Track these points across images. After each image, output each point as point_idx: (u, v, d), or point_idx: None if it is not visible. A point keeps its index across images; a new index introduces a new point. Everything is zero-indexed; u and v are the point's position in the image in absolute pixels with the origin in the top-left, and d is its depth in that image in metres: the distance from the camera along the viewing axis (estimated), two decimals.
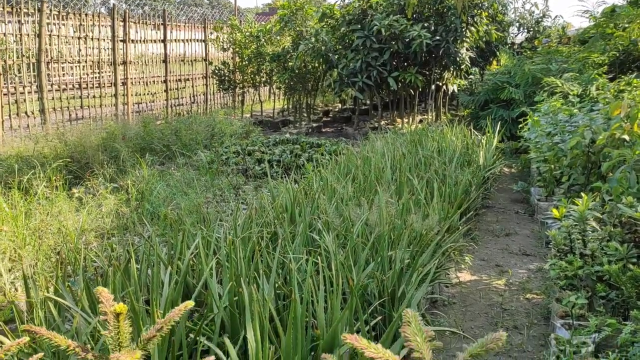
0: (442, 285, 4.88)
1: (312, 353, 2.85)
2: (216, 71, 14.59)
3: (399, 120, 13.74)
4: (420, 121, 13.56)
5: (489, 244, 6.14)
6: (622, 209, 4.27)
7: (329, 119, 15.54)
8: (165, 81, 13.73)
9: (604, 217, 4.76)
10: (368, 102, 14.97)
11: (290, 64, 13.49)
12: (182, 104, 14.23)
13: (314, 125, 13.93)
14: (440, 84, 13.58)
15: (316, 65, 13.81)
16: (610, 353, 3.04)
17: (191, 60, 14.59)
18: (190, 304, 1.42)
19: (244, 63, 14.25)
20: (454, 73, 13.29)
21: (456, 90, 13.99)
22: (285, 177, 7.31)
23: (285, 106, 15.76)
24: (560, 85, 9.53)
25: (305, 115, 14.90)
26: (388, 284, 3.56)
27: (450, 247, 4.75)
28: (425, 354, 1.01)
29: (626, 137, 5.26)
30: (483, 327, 4.22)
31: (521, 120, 9.55)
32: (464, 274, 5.23)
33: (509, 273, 5.29)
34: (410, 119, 13.57)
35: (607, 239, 4.44)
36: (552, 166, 6.86)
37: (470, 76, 13.60)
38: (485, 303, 4.64)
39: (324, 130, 13.73)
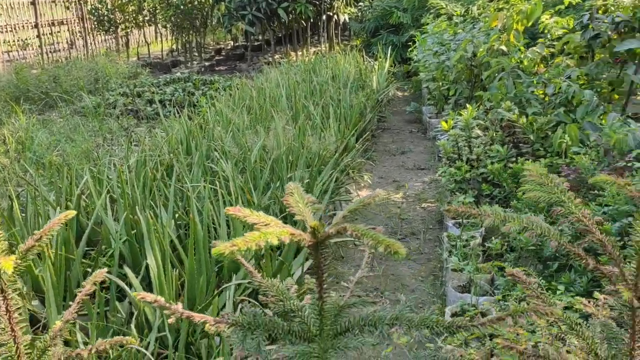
0: (344, 204, 5.03)
1: (220, 273, 2.86)
2: (93, 11, 13.52)
3: (292, 53, 13.60)
4: (315, 53, 13.50)
5: (386, 163, 6.37)
6: (501, 113, 4.57)
7: (221, 57, 15.06)
8: (36, 26, 12.55)
9: (487, 124, 5.07)
10: (261, 37, 14.63)
11: None
12: (59, 50, 13.15)
13: (207, 64, 13.46)
14: (331, 13, 13.50)
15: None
16: (494, 239, 3.32)
17: (63, 1, 13.39)
18: (71, 213, 1.35)
19: (123, 1, 13.30)
20: (344, 1, 13.24)
21: (347, 20, 13.99)
22: (179, 114, 7.06)
23: (175, 46, 15.03)
24: (444, 6, 9.77)
25: (197, 54, 14.33)
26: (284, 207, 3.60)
27: (348, 165, 4.88)
28: (307, 216, 1.03)
29: (504, 47, 5.55)
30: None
31: (411, 44, 9.78)
32: (364, 191, 5.42)
33: (405, 187, 5.54)
34: (304, 51, 13.47)
35: (490, 143, 4.76)
36: (440, 83, 7.14)
37: (360, 3, 13.62)
38: (385, 216, 4.86)
39: (217, 68, 13.31)
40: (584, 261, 1.01)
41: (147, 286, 2.85)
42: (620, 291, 0.96)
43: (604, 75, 5.08)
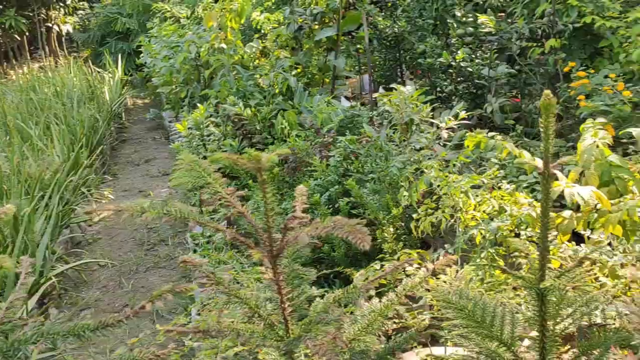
0: (85, 225, 4.68)
1: None
2: None
3: (12, 72, 12.13)
4: (39, 69, 12.25)
5: (129, 174, 6.11)
6: (227, 108, 4.73)
7: None
8: None
9: (219, 121, 5.20)
10: None
11: None
12: None
13: None
14: (51, 24, 12.38)
15: None
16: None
17: None
18: None
19: None
20: (63, 11, 12.25)
21: (71, 30, 13.00)
22: None
23: None
24: (169, 9, 9.71)
25: None
26: (2, 240, 3.21)
27: (79, 184, 4.54)
28: None
29: (224, 45, 5.75)
30: (131, 251, 4.25)
31: (142, 49, 9.51)
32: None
33: (151, 195, 5.39)
34: (25, 68, 12.12)
35: (224, 138, 4.89)
36: (173, 87, 7.09)
37: (80, 12, 12.75)
38: (131, 229, 4.66)
39: None
40: (221, 232, 1.09)
41: None
42: (252, 254, 1.06)
43: (314, 63, 5.61)
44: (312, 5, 5.16)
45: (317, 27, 5.20)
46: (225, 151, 4.51)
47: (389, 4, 5.28)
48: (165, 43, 7.64)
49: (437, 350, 2.05)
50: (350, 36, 6.64)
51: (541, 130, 1.05)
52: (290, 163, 3.77)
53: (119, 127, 7.72)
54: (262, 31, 5.79)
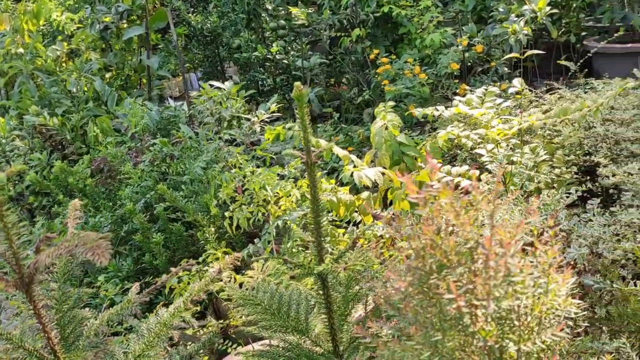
0: None
1: None
2: None
3: None
4: None
5: None
6: (29, 119, 4.30)
7: None
8: None
9: (24, 134, 4.72)
10: None
11: None
12: None
13: None
14: None
15: None
16: None
17: None
18: None
19: None
20: None
21: None
22: None
23: None
24: None
25: None
26: None
27: None
28: None
29: (21, 50, 5.20)
30: None
31: None
32: None
33: None
34: None
35: (31, 152, 4.45)
36: None
37: None
38: None
39: None
40: None
41: None
42: None
43: (129, 64, 5.31)
44: (117, 3, 4.85)
45: (125, 26, 4.91)
46: (35, 166, 4.11)
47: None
48: None
49: (260, 346, 2.05)
50: (169, 34, 6.39)
51: (297, 119, 1.07)
52: (106, 172, 3.54)
53: None
54: (66, 33, 5.34)
